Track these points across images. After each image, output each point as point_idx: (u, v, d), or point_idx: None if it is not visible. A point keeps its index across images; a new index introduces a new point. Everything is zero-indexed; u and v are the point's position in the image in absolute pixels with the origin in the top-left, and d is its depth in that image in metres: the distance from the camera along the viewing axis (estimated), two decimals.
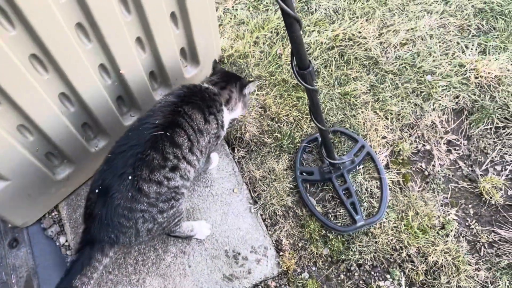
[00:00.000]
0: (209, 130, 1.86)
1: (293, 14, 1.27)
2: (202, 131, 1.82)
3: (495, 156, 2.30)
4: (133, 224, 1.61)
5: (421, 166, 2.31)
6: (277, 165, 2.29)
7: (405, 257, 2.05)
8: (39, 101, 1.65)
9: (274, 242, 2.16)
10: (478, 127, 2.36)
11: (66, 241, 2.21)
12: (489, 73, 2.43)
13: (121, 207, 1.56)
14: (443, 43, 2.60)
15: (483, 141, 2.34)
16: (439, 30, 2.65)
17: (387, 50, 2.59)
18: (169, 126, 1.68)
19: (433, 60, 2.53)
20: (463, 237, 2.12)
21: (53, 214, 2.28)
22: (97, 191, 1.59)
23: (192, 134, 1.76)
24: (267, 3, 2.84)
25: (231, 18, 2.78)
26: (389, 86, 2.47)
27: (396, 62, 2.54)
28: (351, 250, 2.09)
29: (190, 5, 1.94)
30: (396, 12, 2.74)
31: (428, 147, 2.35)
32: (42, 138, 1.84)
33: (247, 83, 2.07)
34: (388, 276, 2.06)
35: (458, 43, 2.59)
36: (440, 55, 2.55)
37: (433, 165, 2.31)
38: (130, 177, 1.56)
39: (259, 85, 2.49)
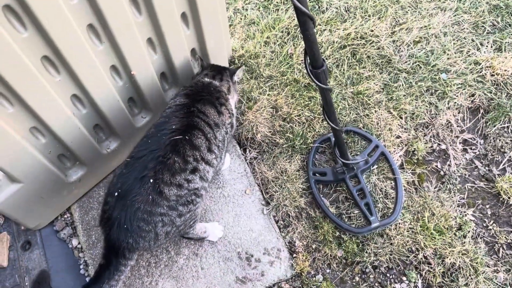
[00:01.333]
0: (224, 121, 1.90)
1: (307, 12, 1.24)
2: (218, 124, 1.86)
3: None
4: (152, 228, 1.60)
5: (436, 166, 2.27)
6: (290, 165, 2.27)
7: (421, 258, 2.01)
8: (51, 103, 1.65)
9: (287, 244, 2.13)
10: (494, 126, 2.31)
11: (79, 243, 2.21)
12: (505, 70, 2.38)
13: (141, 211, 1.55)
14: (457, 40, 2.55)
15: (500, 140, 2.29)
16: (453, 27, 2.60)
17: (400, 48, 2.55)
18: (186, 130, 1.70)
19: (448, 58, 2.48)
20: (480, 238, 2.08)
21: (66, 216, 2.28)
22: (116, 194, 1.58)
23: (209, 132, 1.78)
24: (277, 2, 2.81)
25: (241, 18, 2.76)
26: (402, 84, 2.43)
27: (409, 61, 2.49)
28: (366, 252, 2.05)
29: (201, 5, 1.93)
30: (408, 10, 2.70)
31: (443, 146, 2.31)
32: (55, 140, 1.84)
33: (235, 70, 2.11)
34: (404, 278, 2.02)
35: (472, 40, 2.54)
36: (455, 52, 2.50)
37: (449, 165, 2.26)
38: (151, 180, 1.56)
39: (270, 85, 2.47)
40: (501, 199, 2.16)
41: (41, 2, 1.35)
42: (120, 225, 1.57)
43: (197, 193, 1.73)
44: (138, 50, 1.81)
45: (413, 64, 2.48)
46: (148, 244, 1.65)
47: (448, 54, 2.50)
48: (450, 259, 1.97)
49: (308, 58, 1.46)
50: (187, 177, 1.66)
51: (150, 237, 1.63)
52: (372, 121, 2.33)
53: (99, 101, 1.83)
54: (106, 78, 1.79)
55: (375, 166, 2.24)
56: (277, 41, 2.64)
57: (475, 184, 2.22)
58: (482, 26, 2.59)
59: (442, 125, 2.33)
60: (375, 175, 2.21)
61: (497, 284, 1.95)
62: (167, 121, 1.74)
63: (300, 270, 2.04)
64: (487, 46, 2.50)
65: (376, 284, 2.03)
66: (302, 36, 1.37)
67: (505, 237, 2.06)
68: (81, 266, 2.17)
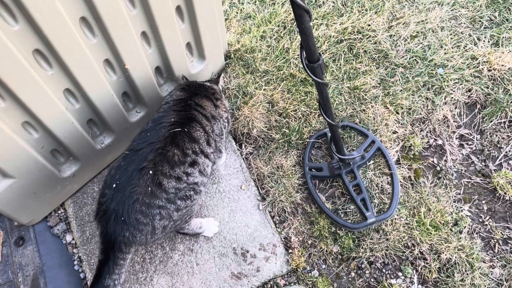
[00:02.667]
0: (221, 114, 1.95)
1: (302, 5, 1.22)
2: (215, 117, 1.89)
3: (509, 151, 2.24)
4: (150, 221, 1.59)
5: (433, 161, 2.26)
6: (285, 161, 2.25)
7: (417, 254, 2.01)
8: (44, 97, 1.62)
9: (283, 240, 2.12)
10: (491, 121, 2.30)
11: (73, 239, 2.19)
12: (502, 65, 2.37)
13: (139, 203, 1.54)
14: (454, 35, 2.54)
15: (496, 135, 2.28)
16: (450, 22, 2.59)
17: (397, 43, 2.53)
18: (185, 122, 1.72)
19: (445, 53, 2.47)
20: (476, 233, 2.07)
21: (59, 212, 2.26)
22: (114, 186, 1.57)
23: (207, 124, 1.81)
24: None
25: (237, 12, 2.74)
26: (399, 79, 2.42)
27: (406, 55, 2.48)
28: (362, 248, 2.05)
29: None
30: (406, 4, 2.67)
31: (440, 141, 2.30)
32: (47, 135, 1.82)
33: (217, 79, 2.15)
34: (400, 273, 2.02)
35: (470, 35, 2.53)
36: (452, 47, 2.49)
37: (445, 160, 2.26)
38: (151, 172, 1.56)
39: (266, 80, 2.45)
40: (497, 194, 2.15)
41: None
42: (117, 218, 1.55)
43: (195, 188, 1.73)
44: (132, 43, 1.78)
45: (410, 59, 2.47)
46: (145, 238, 1.64)
47: (445, 49, 2.48)
48: (446, 255, 1.97)
49: (304, 52, 1.44)
50: (186, 170, 1.66)
51: (147, 230, 1.62)
52: (368, 116, 2.32)
53: (93, 95, 1.81)
54: (100, 72, 1.76)
55: (372, 162, 2.23)
56: (273, 35, 2.62)
57: (472, 179, 2.22)
58: (480, 21, 2.57)
59: (438, 120, 2.32)
60: (371, 171, 2.20)
61: (492, 279, 1.95)
62: (165, 115, 1.76)
63: (295, 265, 2.03)
64: (484, 41, 2.49)
65: (372, 280, 2.02)
66: (298, 30, 1.35)
67: (501, 233, 2.06)
68: (75, 262, 2.15)
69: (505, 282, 1.94)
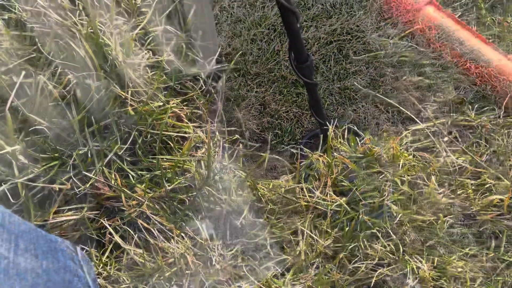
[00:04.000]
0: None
1: (288, 6, 1.25)
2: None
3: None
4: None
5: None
6: (278, 162, 2.27)
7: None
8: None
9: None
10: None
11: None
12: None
13: None
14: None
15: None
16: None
17: (385, 43, 2.56)
18: None
19: (433, 51, 2.50)
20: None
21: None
22: None
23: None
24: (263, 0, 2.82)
25: (227, 16, 2.76)
26: (389, 79, 2.45)
27: (395, 55, 2.51)
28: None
29: (186, 4, 1.93)
30: (393, 5, 2.71)
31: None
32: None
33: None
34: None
35: None
36: (440, 46, 2.52)
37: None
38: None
39: (257, 82, 2.47)
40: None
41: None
42: None
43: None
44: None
45: (398, 58, 2.50)
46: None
47: (432, 48, 2.52)
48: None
49: (292, 53, 1.47)
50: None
51: None
52: (359, 115, 2.35)
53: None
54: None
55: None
56: (264, 38, 2.64)
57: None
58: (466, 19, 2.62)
59: (428, 118, 2.35)
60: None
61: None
62: None
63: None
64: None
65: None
66: (286, 31, 1.38)
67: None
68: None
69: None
